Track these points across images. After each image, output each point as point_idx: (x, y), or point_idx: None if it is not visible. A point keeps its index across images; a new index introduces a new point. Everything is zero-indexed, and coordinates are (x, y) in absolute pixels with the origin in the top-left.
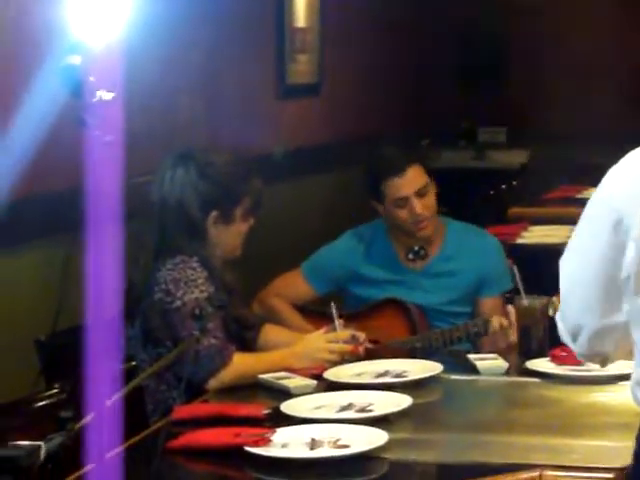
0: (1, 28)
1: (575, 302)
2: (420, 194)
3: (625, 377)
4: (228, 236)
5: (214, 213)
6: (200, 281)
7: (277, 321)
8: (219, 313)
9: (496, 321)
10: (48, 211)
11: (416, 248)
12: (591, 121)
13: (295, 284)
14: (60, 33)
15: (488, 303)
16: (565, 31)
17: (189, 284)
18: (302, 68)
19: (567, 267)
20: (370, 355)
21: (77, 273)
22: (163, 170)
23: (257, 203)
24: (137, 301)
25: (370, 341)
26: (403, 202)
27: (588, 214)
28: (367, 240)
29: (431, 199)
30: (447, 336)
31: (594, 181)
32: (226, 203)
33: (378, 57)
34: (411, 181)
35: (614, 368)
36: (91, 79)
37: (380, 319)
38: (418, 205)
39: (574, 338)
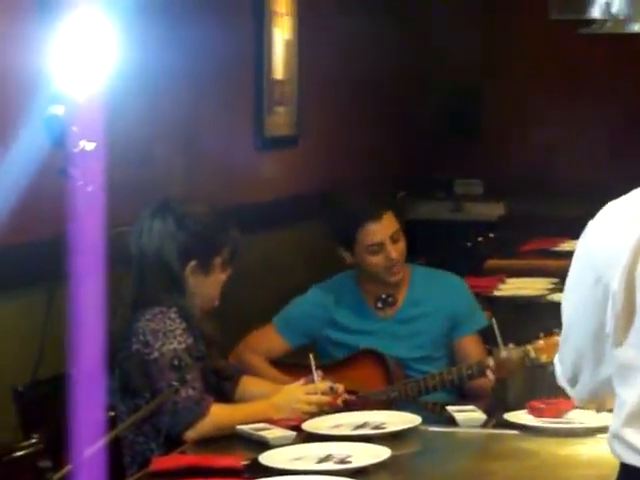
0: None
1: (570, 349)
2: (394, 239)
3: (603, 430)
4: (207, 286)
5: (192, 263)
6: (179, 332)
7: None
8: (197, 364)
9: (491, 361)
10: (30, 261)
11: (384, 296)
12: (568, 172)
13: (269, 339)
14: (43, 83)
15: (466, 341)
16: (539, 82)
17: (167, 335)
18: (281, 120)
19: (563, 313)
20: (349, 406)
21: (58, 323)
22: (141, 221)
23: (235, 253)
24: (114, 352)
25: (347, 392)
26: (378, 248)
27: (573, 267)
28: (336, 292)
29: (402, 244)
30: (422, 385)
31: (571, 233)
32: (205, 253)
33: (355, 110)
34: (386, 227)
35: (592, 420)
36: (74, 129)
37: (357, 370)
38: (393, 250)
39: (572, 384)
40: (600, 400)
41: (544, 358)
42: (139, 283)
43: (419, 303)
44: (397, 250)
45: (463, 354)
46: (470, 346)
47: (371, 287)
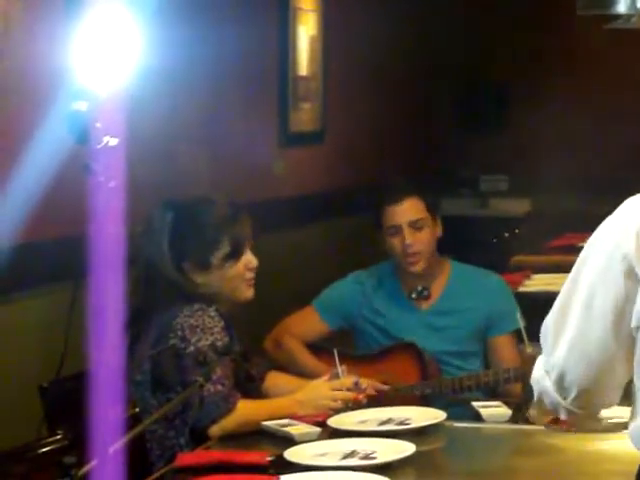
0: (8, 75)
1: (578, 354)
2: (414, 226)
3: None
4: (217, 282)
5: (186, 264)
6: (217, 329)
7: (290, 360)
8: (230, 362)
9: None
10: (54, 257)
11: (419, 288)
12: (594, 168)
13: (308, 320)
14: (66, 79)
15: (500, 341)
16: (566, 78)
17: (205, 331)
18: (305, 116)
19: (572, 320)
20: (379, 399)
21: (81, 320)
22: (148, 221)
23: (238, 245)
24: (134, 347)
25: (382, 383)
26: (396, 231)
27: (588, 266)
28: (375, 279)
29: (426, 235)
30: (457, 384)
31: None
32: (196, 252)
33: (380, 105)
34: (406, 211)
35: (618, 416)
36: (97, 125)
37: (393, 362)
38: (409, 236)
39: (567, 392)
40: (602, 406)
41: None
42: (142, 288)
43: (456, 298)
44: (415, 237)
45: (496, 353)
46: (503, 346)
47: (407, 278)
